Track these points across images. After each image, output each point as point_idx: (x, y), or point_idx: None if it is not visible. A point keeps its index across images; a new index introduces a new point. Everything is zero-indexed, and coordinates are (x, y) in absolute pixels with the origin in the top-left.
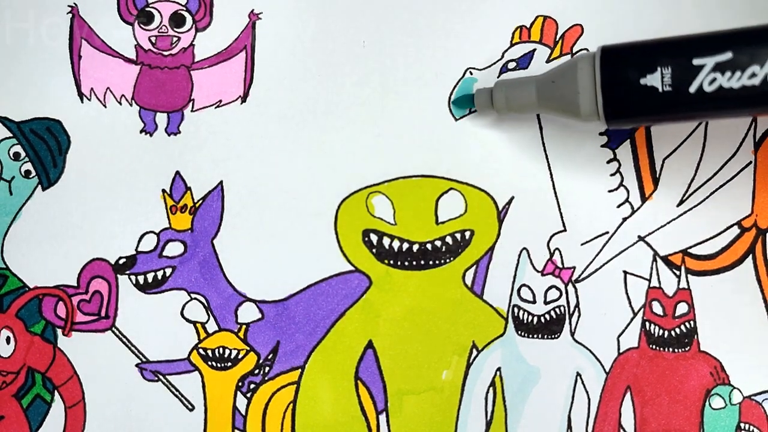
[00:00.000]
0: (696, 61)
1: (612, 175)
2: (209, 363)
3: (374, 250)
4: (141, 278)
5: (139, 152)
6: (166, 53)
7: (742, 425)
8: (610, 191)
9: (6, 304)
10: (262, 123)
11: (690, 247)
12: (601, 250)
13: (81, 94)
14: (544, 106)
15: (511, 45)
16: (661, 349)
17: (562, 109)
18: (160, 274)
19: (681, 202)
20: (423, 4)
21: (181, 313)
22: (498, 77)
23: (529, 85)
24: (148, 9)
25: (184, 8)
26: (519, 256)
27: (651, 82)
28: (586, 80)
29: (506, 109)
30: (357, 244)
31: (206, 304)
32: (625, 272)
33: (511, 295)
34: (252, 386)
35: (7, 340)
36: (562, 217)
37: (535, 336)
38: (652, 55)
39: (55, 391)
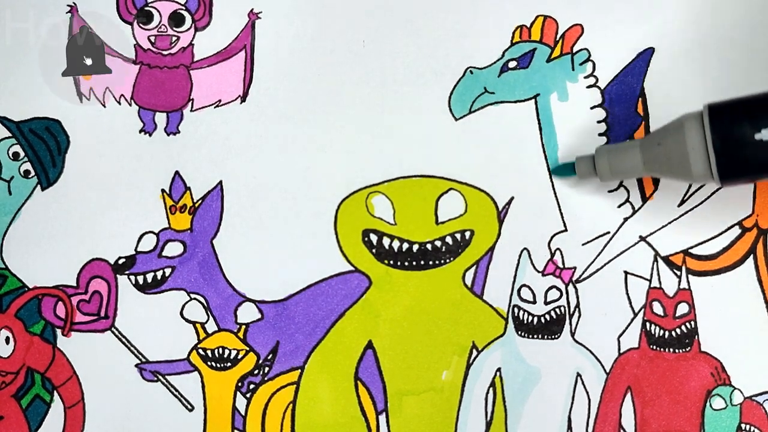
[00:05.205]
0: None
1: None
2: (209, 363)
3: (374, 250)
4: (140, 278)
5: (138, 152)
6: (165, 53)
7: (743, 426)
8: (610, 191)
9: (5, 304)
10: (261, 123)
11: (691, 248)
12: (602, 251)
13: (80, 94)
14: (650, 169)
15: (512, 44)
16: (662, 349)
17: (672, 171)
18: (159, 274)
19: (682, 202)
20: (423, 3)
21: (181, 314)
22: (498, 76)
23: (633, 149)
24: (147, 8)
25: (184, 8)
26: (519, 256)
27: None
28: (695, 140)
29: (610, 176)
30: (357, 244)
31: (206, 304)
32: (626, 272)
33: (511, 295)
34: (251, 386)
35: (7, 340)
36: (562, 217)
37: (535, 336)
38: (767, 108)
39: (55, 392)
